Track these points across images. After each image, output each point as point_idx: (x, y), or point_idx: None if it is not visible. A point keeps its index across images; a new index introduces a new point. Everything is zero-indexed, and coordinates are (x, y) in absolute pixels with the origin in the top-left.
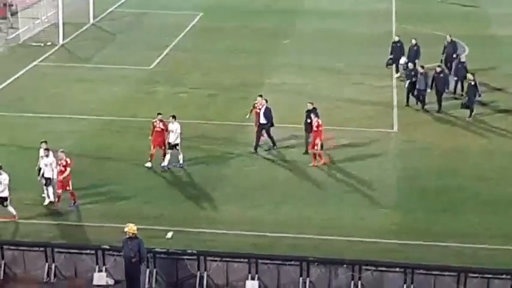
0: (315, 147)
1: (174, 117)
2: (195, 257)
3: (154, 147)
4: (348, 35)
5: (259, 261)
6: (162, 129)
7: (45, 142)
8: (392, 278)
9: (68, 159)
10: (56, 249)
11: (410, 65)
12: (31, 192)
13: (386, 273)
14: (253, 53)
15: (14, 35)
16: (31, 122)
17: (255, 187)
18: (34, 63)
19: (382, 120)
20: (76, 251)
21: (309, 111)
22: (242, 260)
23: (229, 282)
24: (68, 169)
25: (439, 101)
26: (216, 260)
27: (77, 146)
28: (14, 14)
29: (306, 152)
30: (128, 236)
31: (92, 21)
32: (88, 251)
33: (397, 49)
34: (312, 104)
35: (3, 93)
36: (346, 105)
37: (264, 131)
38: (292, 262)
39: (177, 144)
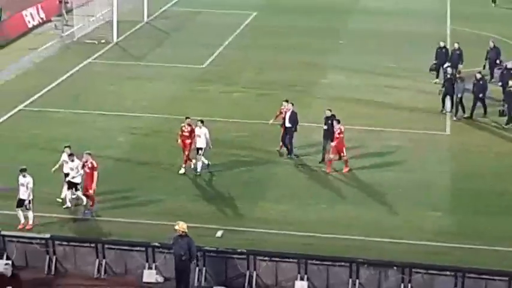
0: (341, 153)
1: (202, 121)
2: (244, 256)
3: (186, 151)
4: (402, 35)
5: (309, 261)
6: (190, 133)
7: (69, 147)
8: (442, 282)
9: (94, 162)
10: (106, 246)
11: (449, 69)
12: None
13: (437, 276)
14: (307, 52)
15: (69, 32)
16: (85, 119)
17: (304, 187)
18: (88, 60)
19: (434, 122)
20: (126, 247)
21: (327, 118)
22: (291, 260)
23: (278, 282)
24: (95, 173)
25: (484, 106)
26: (265, 260)
27: (129, 143)
28: (69, 11)
29: (323, 160)
30: (178, 234)
31: (146, 19)
32: (138, 248)
33: (442, 55)
34: (331, 110)
35: (58, 90)
36: (397, 107)
37: (287, 136)
38: (342, 263)
39: (201, 149)
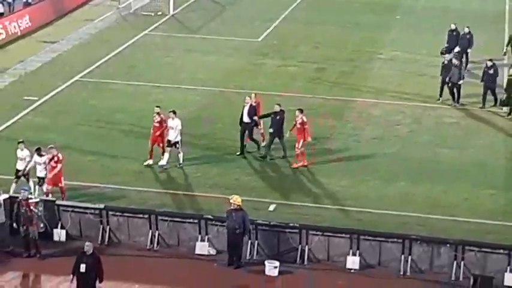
0: (296, 145)
1: (174, 112)
2: (296, 231)
3: (152, 145)
4: (461, 12)
5: (361, 237)
6: (160, 124)
7: (22, 142)
8: (495, 260)
9: (60, 155)
10: (160, 217)
11: (447, 56)
12: (138, 160)
13: (490, 254)
14: (365, 26)
15: (126, 4)
16: (140, 91)
17: (360, 162)
18: (144, 32)
19: (490, 100)
20: (179, 219)
21: (275, 113)
22: (344, 235)
23: (330, 257)
24: (59, 165)
25: (494, 96)
26: (317, 234)
27: (185, 115)
28: None
29: (264, 157)
30: (232, 208)
31: None
32: (191, 220)
33: (453, 38)
34: (280, 105)
35: (114, 62)
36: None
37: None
38: (395, 239)
39: (177, 142)
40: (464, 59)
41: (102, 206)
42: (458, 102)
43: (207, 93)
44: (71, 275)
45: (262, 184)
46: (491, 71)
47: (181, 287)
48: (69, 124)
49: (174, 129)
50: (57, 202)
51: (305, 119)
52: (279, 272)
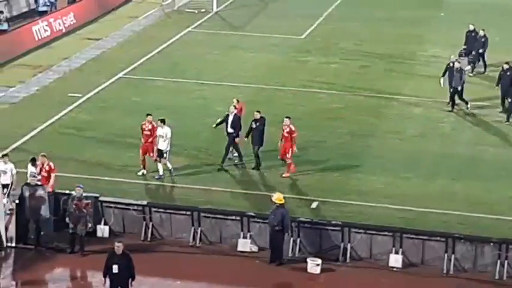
0: (286, 156)
1: (163, 121)
2: (339, 228)
3: (143, 154)
4: (507, 7)
5: (404, 235)
6: (151, 131)
7: (6, 155)
8: None
9: (52, 164)
10: (202, 214)
11: (452, 57)
12: (181, 156)
13: None
14: (408, 23)
15: (169, 1)
16: (183, 88)
17: (402, 160)
18: (188, 29)
19: None
20: (222, 216)
21: (256, 121)
22: (387, 233)
23: (373, 255)
24: (53, 175)
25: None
26: (360, 232)
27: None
28: None
29: (257, 167)
30: (275, 205)
31: None
32: (233, 217)
33: (471, 39)
34: (260, 112)
35: (158, 58)
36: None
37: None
38: (438, 238)
39: (166, 152)
40: (481, 62)
41: (145, 202)
42: (452, 108)
43: (249, 90)
44: (103, 278)
45: (304, 182)
46: (508, 73)
47: (223, 284)
48: (112, 120)
49: (163, 138)
50: (101, 198)
51: (293, 128)
52: (321, 270)
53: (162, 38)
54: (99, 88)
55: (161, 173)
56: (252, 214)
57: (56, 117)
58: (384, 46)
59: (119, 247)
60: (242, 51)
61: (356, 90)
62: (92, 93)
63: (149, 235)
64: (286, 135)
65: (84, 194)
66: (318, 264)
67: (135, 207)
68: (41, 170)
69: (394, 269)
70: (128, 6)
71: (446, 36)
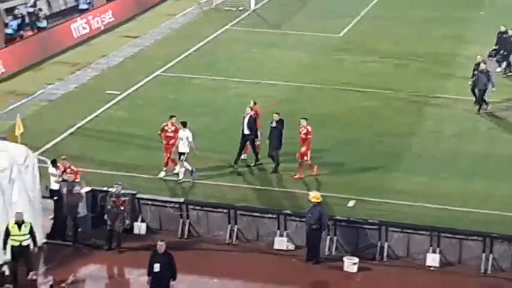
0: (305, 158)
1: (184, 124)
2: (376, 227)
3: (168, 154)
4: None
5: (441, 234)
6: (174, 133)
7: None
8: None
9: (73, 167)
10: (239, 212)
11: (479, 58)
12: (218, 153)
13: None
14: (448, 22)
15: None
16: (221, 85)
17: (441, 159)
18: (226, 27)
19: None
20: (258, 214)
21: (276, 122)
22: (424, 232)
23: (410, 254)
24: (79, 177)
25: None
26: (397, 231)
27: (265, 110)
28: None
29: (275, 171)
30: (312, 203)
31: None
32: (270, 215)
33: (502, 40)
34: (279, 114)
35: (196, 56)
36: None
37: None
38: (475, 237)
39: (183, 154)
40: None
41: (181, 199)
42: (479, 111)
43: (286, 89)
44: (147, 277)
45: (342, 180)
46: None
47: (259, 282)
48: (150, 118)
49: (184, 141)
50: (138, 196)
51: (310, 129)
52: (358, 269)
53: (199, 35)
54: (137, 86)
55: (181, 176)
56: (289, 212)
57: (94, 115)
58: (422, 45)
59: (161, 246)
60: (279, 49)
61: (394, 89)
62: (129, 91)
63: (186, 232)
64: (303, 136)
65: (122, 192)
66: (354, 263)
67: (172, 205)
68: (63, 172)
69: (431, 268)
70: (166, 4)
71: (486, 35)
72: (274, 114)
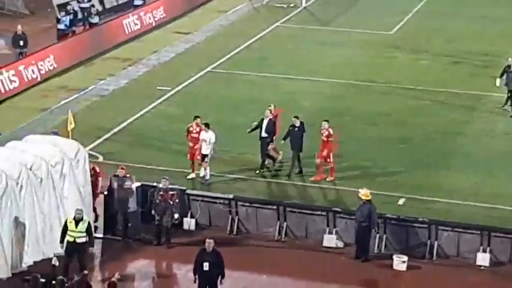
0: (327, 160)
1: (207, 125)
2: (426, 225)
3: (191, 158)
4: None
5: (492, 233)
6: (199, 134)
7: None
8: None
9: (97, 168)
10: (288, 209)
11: (510, 59)
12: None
13: None
14: (501, 20)
15: None
16: (271, 82)
17: (492, 158)
18: (276, 24)
19: None
20: (308, 211)
21: (294, 127)
22: (474, 231)
23: (460, 253)
24: (100, 179)
25: None
26: (447, 230)
27: (314, 108)
28: None
29: (289, 176)
30: (361, 201)
31: None
32: (319, 213)
33: None
34: (298, 117)
35: (246, 53)
36: None
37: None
38: None
39: (206, 156)
40: None
41: (231, 196)
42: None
43: (337, 86)
44: (194, 276)
45: (392, 178)
46: None
47: (308, 279)
48: (200, 114)
49: (207, 143)
50: (188, 191)
51: (331, 132)
52: (407, 267)
53: (250, 32)
54: (188, 82)
55: (208, 177)
56: (338, 210)
57: (145, 110)
58: (476, 43)
59: (209, 243)
60: (330, 46)
61: (445, 87)
62: (180, 87)
63: (235, 229)
64: (325, 139)
65: (170, 187)
66: (404, 261)
67: (221, 201)
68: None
69: (482, 268)
70: (217, 0)
71: None
72: (293, 118)
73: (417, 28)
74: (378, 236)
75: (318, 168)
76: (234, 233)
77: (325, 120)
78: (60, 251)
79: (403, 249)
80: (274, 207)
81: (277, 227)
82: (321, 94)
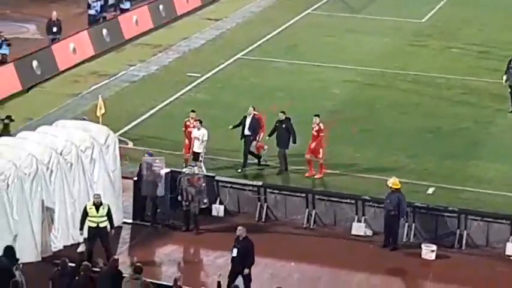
0: (317, 155)
1: (200, 121)
2: (455, 215)
3: (188, 153)
4: None
5: None
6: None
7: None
8: None
9: None
10: (317, 197)
11: None
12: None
13: None
14: None
15: None
16: (301, 70)
17: None
18: (307, 11)
19: None
20: (336, 199)
21: (281, 122)
22: (504, 221)
23: (489, 243)
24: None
25: None
26: (477, 220)
27: (344, 95)
28: None
29: (286, 170)
30: (391, 189)
31: None
32: (348, 201)
33: None
34: (284, 112)
35: (276, 40)
36: None
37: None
38: None
39: (199, 154)
40: None
41: (260, 183)
42: None
43: (367, 74)
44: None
45: (421, 166)
46: None
47: (336, 267)
48: (230, 101)
49: (199, 140)
50: (217, 178)
51: (322, 127)
52: (436, 256)
53: (280, 19)
54: (218, 68)
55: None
56: (367, 198)
57: (174, 97)
58: (507, 32)
59: (240, 230)
60: (361, 34)
61: (476, 76)
62: (210, 74)
63: (263, 216)
64: (315, 133)
65: (200, 173)
66: (432, 251)
67: (251, 188)
68: None
69: (511, 258)
70: None
71: None
72: (280, 113)
73: (449, 16)
74: (406, 224)
75: (308, 163)
76: (263, 220)
77: (316, 115)
78: (84, 236)
79: (432, 238)
80: (303, 194)
81: (306, 215)
82: (352, 82)
